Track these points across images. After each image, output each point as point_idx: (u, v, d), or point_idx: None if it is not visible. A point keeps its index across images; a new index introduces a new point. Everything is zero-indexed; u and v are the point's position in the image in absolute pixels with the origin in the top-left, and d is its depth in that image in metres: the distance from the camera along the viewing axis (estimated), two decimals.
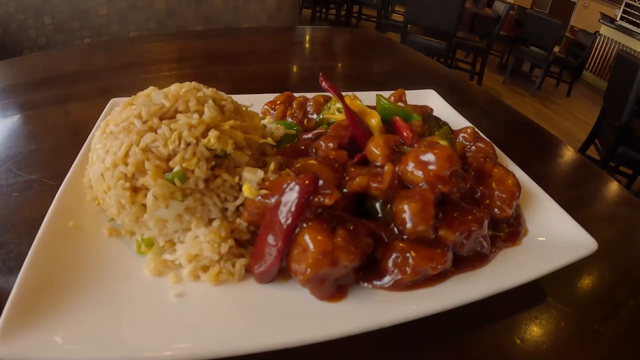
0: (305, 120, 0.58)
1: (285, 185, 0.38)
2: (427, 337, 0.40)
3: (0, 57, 1.15)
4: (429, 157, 0.44)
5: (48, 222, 0.44)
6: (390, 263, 0.40)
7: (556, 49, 4.97)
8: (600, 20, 5.21)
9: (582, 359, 0.40)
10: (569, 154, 0.85)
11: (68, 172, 0.53)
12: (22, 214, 0.56)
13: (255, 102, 0.55)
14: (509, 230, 0.48)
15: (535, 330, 0.42)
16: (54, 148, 0.69)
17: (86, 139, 0.60)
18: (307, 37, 1.56)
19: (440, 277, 0.41)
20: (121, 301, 0.39)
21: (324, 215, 0.38)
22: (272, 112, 0.60)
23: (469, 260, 0.44)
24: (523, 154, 0.63)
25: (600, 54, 5.30)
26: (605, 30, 5.19)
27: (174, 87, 0.48)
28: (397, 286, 0.40)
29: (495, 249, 0.46)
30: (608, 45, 5.20)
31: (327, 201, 0.37)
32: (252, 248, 0.41)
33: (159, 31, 2.00)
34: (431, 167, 0.43)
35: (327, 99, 0.61)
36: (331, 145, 0.48)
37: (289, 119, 0.58)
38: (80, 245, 0.44)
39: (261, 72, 1.07)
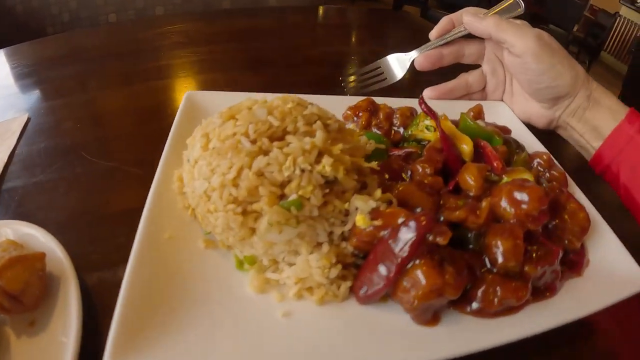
0: (392, 133, 0.60)
1: (400, 221, 0.42)
2: None
3: (24, 35, 1.10)
4: (522, 196, 0.48)
5: (142, 234, 0.42)
6: (479, 293, 0.45)
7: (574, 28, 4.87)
8: (621, 1, 5.06)
9: None
10: None
11: (144, 160, 0.54)
12: (109, 205, 0.57)
13: (327, 104, 0.54)
14: (573, 259, 0.53)
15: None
16: (118, 136, 0.70)
17: (151, 125, 0.61)
18: (353, 19, 1.53)
19: (519, 306, 0.46)
20: (229, 318, 0.39)
21: (434, 251, 0.42)
22: (355, 119, 0.62)
23: (541, 291, 0.49)
24: (542, 139, 0.68)
25: (620, 35, 5.19)
26: (625, 11, 5.05)
27: (278, 102, 0.48)
28: (483, 313, 0.45)
29: (561, 279, 0.51)
30: (628, 27, 5.08)
31: (442, 241, 0.41)
32: (357, 272, 0.44)
33: (184, 7, 1.89)
34: (523, 206, 0.47)
35: (413, 111, 0.62)
36: (428, 171, 0.51)
37: (374, 129, 0.60)
38: (179, 257, 0.43)
39: (314, 56, 1.06)
